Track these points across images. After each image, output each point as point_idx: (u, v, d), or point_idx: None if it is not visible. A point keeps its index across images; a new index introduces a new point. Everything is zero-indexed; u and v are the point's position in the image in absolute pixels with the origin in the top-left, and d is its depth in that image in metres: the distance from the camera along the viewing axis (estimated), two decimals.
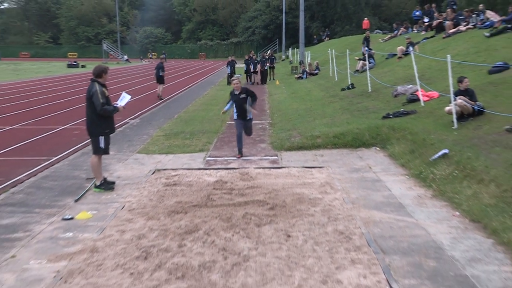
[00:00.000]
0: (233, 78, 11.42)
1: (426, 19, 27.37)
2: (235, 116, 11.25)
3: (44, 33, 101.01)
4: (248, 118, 11.20)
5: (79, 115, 16.14)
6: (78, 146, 12.53)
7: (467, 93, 10.60)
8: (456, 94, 10.68)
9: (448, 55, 11.58)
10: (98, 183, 8.69)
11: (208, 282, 5.08)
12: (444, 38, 21.53)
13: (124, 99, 8.91)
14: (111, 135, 8.92)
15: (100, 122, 8.55)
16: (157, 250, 5.91)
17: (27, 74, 45.73)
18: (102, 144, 8.64)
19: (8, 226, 6.94)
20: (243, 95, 11.00)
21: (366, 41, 28.19)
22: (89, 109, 8.56)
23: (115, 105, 8.75)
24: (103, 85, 8.62)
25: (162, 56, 26.18)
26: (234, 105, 11.12)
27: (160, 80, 24.15)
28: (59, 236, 6.59)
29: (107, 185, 8.71)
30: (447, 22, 22.55)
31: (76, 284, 5.13)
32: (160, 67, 24.09)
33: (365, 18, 44.93)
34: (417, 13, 31.42)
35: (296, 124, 14.45)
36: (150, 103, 22.15)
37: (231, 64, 32.31)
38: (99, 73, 8.62)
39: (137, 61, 77.51)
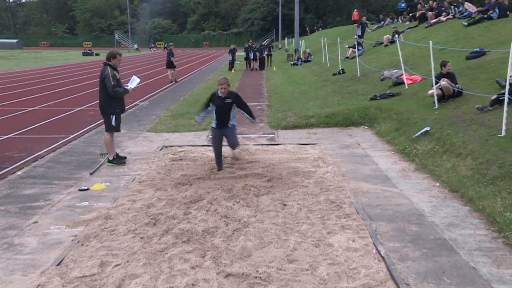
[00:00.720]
0: (220, 82, 7.80)
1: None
2: (213, 124, 8.07)
3: (62, 24, 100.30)
4: (230, 125, 8.05)
5: (94, 98, 16.03)
6: (92, 125, 12.45)
7: (449, 76, 10.51)
8: (438, 77, 10.59)
9: (430, 41, 11.46)
10: (111, 158, 8.65)
11: (211, 245, 5.07)
12: (426, 27, 21.32)
13: (134, 82, 8.82)
14: (122, 114, 8.86)
15: (112, 102, 8.48)
16: (164, 218, 5.89)
17: (47, 62, 45.39)
18: (114, 123, 8.58)
19: (30, 196, 6.92)
20: (228, 100, 7.84)
21: (362, 26, 27.91)
22: (102, 90, 8.48)
23: (125, 87, 8.67)
24: (115, 69, 8.53)
25: (170, 43, 26.34)
26: (214, 112, 7.95)
27: (170, 65, 24.08)
28: (76, 205, 6.57)
29: (119, 160, 8.68)
30: (429, 13, 22.32)
31: (92, 247, 5.12)
32: (170, 53, 23.89)
33: (355, 10, 44.36)
34: (403, 5, 31.20)
35: (292, 106, 14.36)
36: (159, 87, 22.00)
37: (233, 52, 32.13)
38: (109, 57, 8.53)
39: (146, 50, 76.89)
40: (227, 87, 7.82)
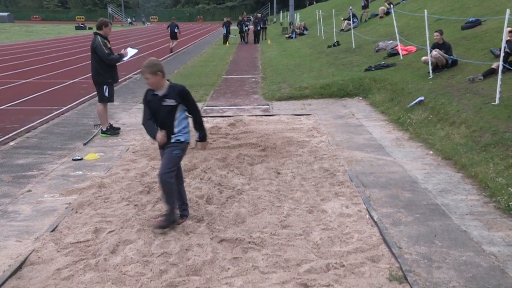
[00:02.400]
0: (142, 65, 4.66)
1: None
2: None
3: None
4: (173, 140, 4.75)
5: (87, 71, 15.84)
6: (86, 97, 12.35)
7: (444, 46, 10.43)
8: (433, 47, 10.51)
9: (425, 10, 11.34)
10: (104, 129, 8.60)
11: (205, 212, 5.08)
12: None
13: (130, 53, 8.66)
14: (115, 85, 8.77)
15: (104, 72, 8.38)
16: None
17: (39, 35, 44.77)
18: (106, 93, 8.49)
19: (24, 165, 6.89)
20: (170, 101, 4.61)
21: None
22: (93, 60, 8.37)
23: (119, 53, 8.52)
24: (105, 38, 8.41)
25: (173, 17, 27.95)
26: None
27: (174, 36, 25.98)
28: (70, 174, 6.55)
29: (112, 131, 8.63)
30: None
31: (86, 214, 5.12)
32: (175, 26, 25.94)
33: None
34: None
35: (286, 78, 14.28)
36: None
37: (227, 25, 31.78)
38: (100, 26, 8.40)
39: (140, 24, 75.88)
40: (150, 77, 4.61)
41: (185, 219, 4.90)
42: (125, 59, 8.61)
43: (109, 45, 8.39)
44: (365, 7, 25.51)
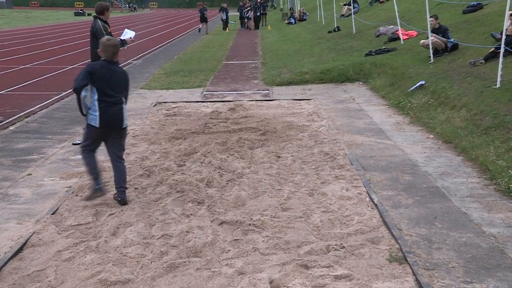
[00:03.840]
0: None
1: None
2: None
3: None
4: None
5: (86, 57, 15.77)
6: None
7: (440, 30, 10.37)
8: (431, 32, 10.44)
9: None
10: None
11: (205, 195, 5.08)
12: None
13: (127, 34, 8.57)
14: None
15: None
16: (159, 169, 5.88)
17: (38, 21, 44.50)
18: None
19: (24, 150, 6.88)
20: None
21: None
22: (93, 44, 8.24)
23: (121, 38, 8.43)
24: (105, 22, 8.32)
25: (199, 3, 30.25)
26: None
27: (204, 19, 28.74)
28: (70, 158, 6.54)
29: None
30: None
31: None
32: (205, 10, 28.72)
33: None
34: None
35: (286, 63, 14.21)
36: (152, 46, 21.66)
37: (226, 11, 31.51)
38: (101, 10, 8.26)
39: (140, 10, 75.42)
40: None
41: (120, 200, 4.89)
42: (122, 37, 8.50)
43: (109, 29, 8.31)
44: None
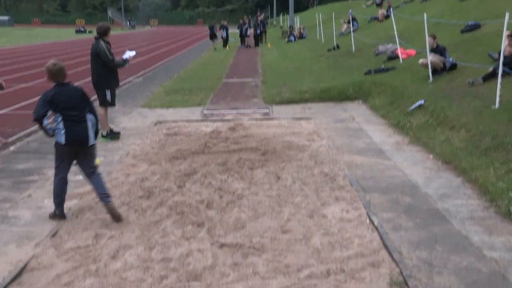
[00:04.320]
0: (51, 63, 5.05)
1: None
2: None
3: (54, 1, 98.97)
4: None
5: (86, 75, 15.88)
6: None
7: (438, 50, 10.47)
8: (430, 51, 10.54)
9: (425, 13, 11.35)
10: (104, 133, 8.58)
11: (205, 217, 5.08)
12: (421, 2, 21.15)
13: (128, 54, 8.65)
14: (116, 89, 8.78)
15: (106, 76, 8.37)
16: (159, 190, 5.88)
17: (39, 39, 44.83)
18: (108, 97, 8.49)
19: (24, 170, 6.89)
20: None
21: None
22: (95, 64, 8.36)
23: (123, 58, 8.53)
24: (107, 43, 8.42)
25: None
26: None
27: (214, 36, 30.88)
28: (70, 178, 6.46)
29: (113, 135, 8.63)
30: None
31: (86, 219, 5.12)
32: (214, 27, 30.93)
33: None
34: None
35: (286, 81, 14.28)
36: (152, 64, 21.80)
37: (226, 29, 31.76)
38: (104, 31, 8.38)
39: (140, 27, 76.03)
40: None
41: (109, 205, 5.01)
42: (124, 57, 8.59)
43: (111, 50, 8.41)
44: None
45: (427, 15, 12.01)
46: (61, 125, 4.90)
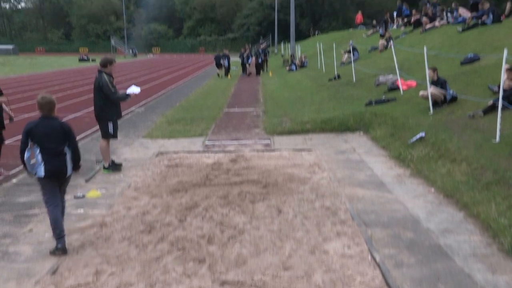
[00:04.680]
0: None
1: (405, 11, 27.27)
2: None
3: (57, 30, 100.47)
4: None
5: (89, 104, 16.02)
6: (88, 132, 12.44)
7: (439, 82, 10.58)
8: (431, 83, 10.65)
9: (425, 46, 11.51)
10: (106, 165, 8.63)
11: (206, 253, 5.07)
12: (421, 33, 21.41)
13: (132, 89, 8.73)
14: (118, 121, 8.86)
15: (108, 108, 8.46)
16: (160, 225, 5.88)
17: (42, 68, 45.33)
18: (110, 129, 8.57)
19: (26, 203, 6.90)
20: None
21: (385, 22, 27.82)
22: (98, 97, 8.46)
23: (127, 93, 8.62)
24: (110, 75, 8.53)
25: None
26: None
27: (220, 65, 31.16)
28: (72, 212, 6.55)
29: (114, 167, 8.66)
30: (424, 18, 22.41)
31: (87, 255, 5.10)
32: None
33: (358, 13, 42.15)
34: (405, 10, 30.00)
35: (287, 111, 14.37)
36: (154, 93, 21.98)
37: (228, 57, 32.07)
38: (105, 64, 8.51)
39: (143, 55, 76.92)
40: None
41: (59, 251, 5.14)
42: (127, 92, 8.69)
43: (114, 83, 8.52)
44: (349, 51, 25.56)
45: (427, 46, 12.18)
46: (39, 158, 5.13)
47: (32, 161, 5.15)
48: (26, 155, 5.16)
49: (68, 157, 5.33)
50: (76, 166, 5.49)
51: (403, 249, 5.09)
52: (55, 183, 5.31)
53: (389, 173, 8.06)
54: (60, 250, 5.15)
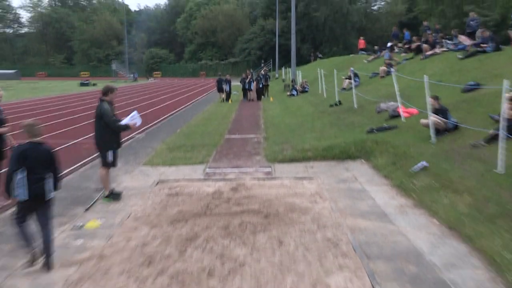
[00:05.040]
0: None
1: (406, 36, 27.56)
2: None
3: (59, 54, 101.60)
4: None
5: (90, 130, 16.04)
6: (88, 159, 12.44)
7: (440, 111, 10.63)
8: (432, 112, 10.70)
9: (425, 76, 11.58)
10: (106, 194, 8.62)
11: (207, 286, 5.03)
12: (422, 59, 21.62)
13: (134, 119, 8.73)
14: (118, 149, 8.88)
15: (108, 137, 8.49)
16: (160, 257, 5.85)
17: (44, 92, 45.65)
18: (110, 158, 8.59)
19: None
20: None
21: (391, 48, 28.16)
22: (98, 125, 8.49)
23: (128, 121, 8.65)
24: (111, 103, 8.58)
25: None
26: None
27: (222, 89, 31.90)
28: (70, 243, 6.52)
29: (114, 196, 8.65)
30: (424, 45, 22.67)
31: None
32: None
33: (361, 38, 41.61)
34: (406, 34, 30.05)
35: (288, 138, 14.40)
36: (155, 118, 22.08)
37: (229, 82, 32.35)
38: (106, 92, 8.57)
39: (144, 79, 77.49)
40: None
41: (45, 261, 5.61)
42: (128, 120, 8.70)
43: (114, 111, 8.57)
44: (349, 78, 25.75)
45: (428, 73, 12.29)
46: (24, 182, 5.44)
47: (18, 185, 5.45)
48: (19, 176, 5.42)
49: (50, 181, 5.68)
50: (56, 189, 5.89)
51: (406, 284, 5.04)
52: (32, 206, 5.64)
53: (391, 203, 8.03)
54: (36, 254, 5.64)
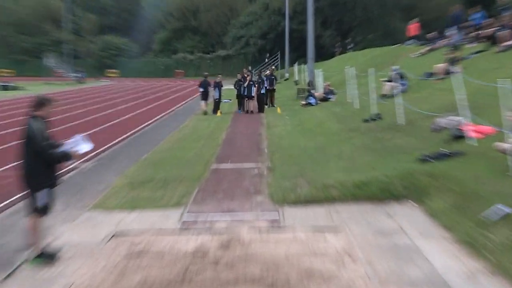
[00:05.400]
0: None
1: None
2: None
3: None
4: None
5: (10, 157, 16.10)
6: (8, 201, 12.39)
7: None
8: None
9: (499, 79, 11.64)
10: (36, 253, 8.58)
11: None
12: (497, 53, 21.67)
13: (79, 145, 8.74)
14: (55, 187, 8.87)
15: (42, 171, 8.45)
16: None
17: None
18: (42, 201, 8.54)
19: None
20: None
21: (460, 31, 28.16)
22: (27, 154, 8.47)
23: (66, 149, 8.63)
24: (45, 120, 8.58)
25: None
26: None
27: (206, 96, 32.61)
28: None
29: (47, 256, 8.61)
30: (498, 32, 22.58)
31: None
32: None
33: (413, 21, 40.79)
34: (478, 15, 29.84)
35: (304, 169, 14.42)
36: (111, 139, 22.11)
37: (219, 87, 32.31)
38: (39, 104, 8.57)
39: (93, 81, 77.94)
40: None
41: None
42: (68, 147, 8.71)
43: (48, 132, 8.56)
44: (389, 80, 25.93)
45: (507, 73, 12.28)
46: None
47: None
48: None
49: None
50: None
51: None
52: None
53: (455, 267, 8.01)
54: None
